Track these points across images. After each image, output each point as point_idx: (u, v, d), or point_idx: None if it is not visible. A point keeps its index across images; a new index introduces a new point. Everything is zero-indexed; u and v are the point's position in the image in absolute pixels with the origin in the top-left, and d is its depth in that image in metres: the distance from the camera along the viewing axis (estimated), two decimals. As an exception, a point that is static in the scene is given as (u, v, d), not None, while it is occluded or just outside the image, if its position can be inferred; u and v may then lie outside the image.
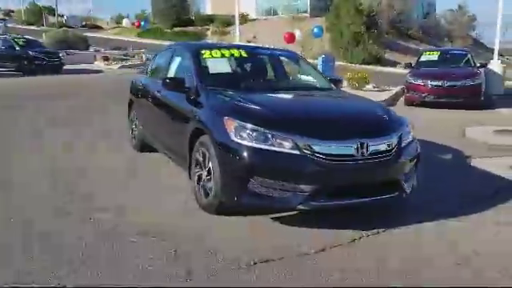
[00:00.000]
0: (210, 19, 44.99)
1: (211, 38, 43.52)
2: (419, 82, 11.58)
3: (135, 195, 4.52)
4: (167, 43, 32.38)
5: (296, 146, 3.54)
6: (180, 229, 3.70)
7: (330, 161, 3.56)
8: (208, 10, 50.69)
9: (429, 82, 11.43)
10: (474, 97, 11.22)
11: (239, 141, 3.64)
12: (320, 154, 3.54)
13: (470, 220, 4.11)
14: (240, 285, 2.91)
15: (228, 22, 43.50)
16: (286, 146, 3.55)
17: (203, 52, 5.02)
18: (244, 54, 5.17)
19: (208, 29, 44.19)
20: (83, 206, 4.14)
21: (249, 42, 41.12)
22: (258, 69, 5.32)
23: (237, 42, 16.67)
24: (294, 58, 5.66)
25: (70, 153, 6.15)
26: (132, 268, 3.02)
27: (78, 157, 5.92)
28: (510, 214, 4.34)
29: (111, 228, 3.66)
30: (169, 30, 43.50)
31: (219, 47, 5.23)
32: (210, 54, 5.00)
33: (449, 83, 11.27)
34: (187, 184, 4.46)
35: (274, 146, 3.57)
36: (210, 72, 4.82)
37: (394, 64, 32.49)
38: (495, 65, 13.87)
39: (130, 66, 22.59)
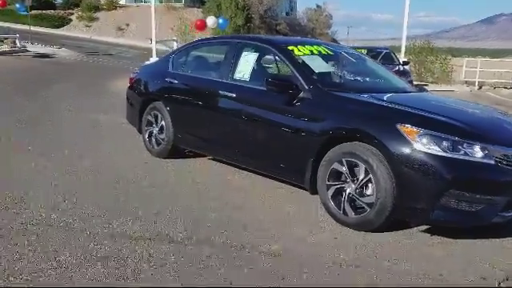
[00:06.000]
0: (75, 3, 40.96)
1: (77, 24, 39.86)
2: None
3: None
4: (25, 27, 28.64)
5: (489, 155, 3.31)
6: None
7: (520, 169, 3.39)
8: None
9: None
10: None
11: (428, 151, 3.27)
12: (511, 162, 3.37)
13: None
14: None
15: (95, 6, 40.26)
16: (479, 155, 3.30)
17: (291, 48, 4.44)
18: (330, 52, 4.71)
19: (72, 13, 40.31)
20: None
21: (121, 29, 38.74)
22: (350, 68, 4.87)
23: (152, 30, 15.32)
24: (363, 57, 5.35)
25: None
26: None
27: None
28: None
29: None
30: (25, 13, 38.48)
31: (303, 43, 4.67)
32: (299, 50, 4.44)
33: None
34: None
35: (468, 155, 3.28)
36: (316, 71, 4.27)
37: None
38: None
39: (3, 53, 19.38)
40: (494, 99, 14.37)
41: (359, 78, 4.74)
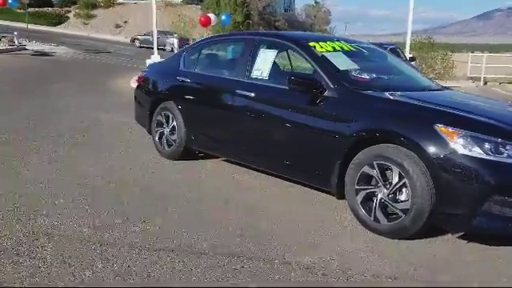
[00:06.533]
0: (72, 1, 40.58)
1: (74, 22, 39.51)
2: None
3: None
4: (23, 25, 28.35)
5: (532, 157, 3.09)
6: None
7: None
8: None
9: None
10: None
11: (469, 153, 3.05)
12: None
13: None
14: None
15: (92, 4, 39.91)
16: (524, 158, 3.09)
17: (313, 45, 4.21)
18: (352, 48, 4.46)
19: (69, 11, 39.93)
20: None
21: (119, 26, 38.43)
22: (373, 64, 4.63)
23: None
24: (384, 53, 5.13)
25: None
26: None
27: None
28: None
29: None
30: (22, 11, 38.14)
31: (324, 39, 4.44)
32: (321, 47, 4.20)
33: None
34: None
35: (511, 158, 3.07)
36: (340, 69, 4.03)
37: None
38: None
39: (1, 51, 19.08)
40: (501, 95, 14.18)
41: (384, 76, 4.50)
